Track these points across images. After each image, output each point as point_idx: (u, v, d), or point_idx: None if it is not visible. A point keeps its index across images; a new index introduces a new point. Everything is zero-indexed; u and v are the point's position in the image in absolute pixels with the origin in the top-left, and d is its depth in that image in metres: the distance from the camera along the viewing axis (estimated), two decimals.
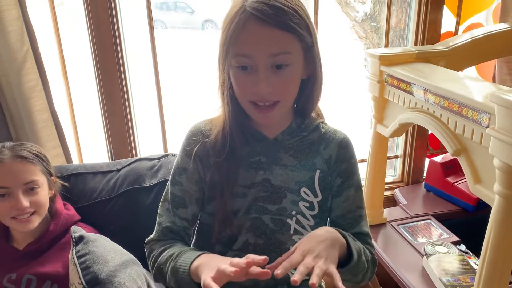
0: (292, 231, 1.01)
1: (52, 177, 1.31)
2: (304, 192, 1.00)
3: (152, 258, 1.01)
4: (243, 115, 0.98)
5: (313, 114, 1.07)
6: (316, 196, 1.01)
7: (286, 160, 1.01)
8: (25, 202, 1.19)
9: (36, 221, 1.23)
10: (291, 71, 0.91)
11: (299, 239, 0.99)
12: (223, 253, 1.02)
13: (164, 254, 0.98)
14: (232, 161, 0.99)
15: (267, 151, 1.01)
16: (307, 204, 1.01)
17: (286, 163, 1.01)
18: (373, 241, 1.07)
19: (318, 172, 1.01)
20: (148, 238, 1.05)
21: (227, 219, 0.99)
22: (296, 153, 1.02)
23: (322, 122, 1.06)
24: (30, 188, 1.22)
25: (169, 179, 1.05)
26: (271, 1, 0.86)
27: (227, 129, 0.98)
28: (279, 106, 0.93)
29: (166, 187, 1.06)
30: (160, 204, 1.06)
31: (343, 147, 1.03)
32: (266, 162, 1.00)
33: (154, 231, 1.04)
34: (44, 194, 1.25)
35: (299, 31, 0.88)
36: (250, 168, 1.00)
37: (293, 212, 1.00)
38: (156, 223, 1.05)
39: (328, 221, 1.07)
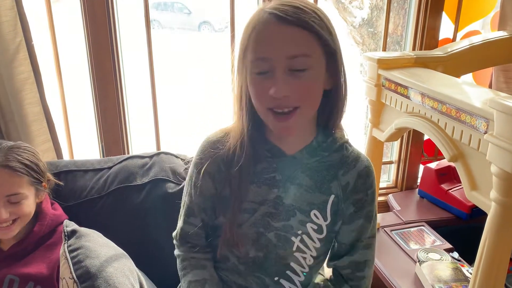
0: (294, 248, 0.98)
1: (43, 183, 1.25)
2: (315, 214, 0.96)
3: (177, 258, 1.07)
4: (261, 129, 0.94)
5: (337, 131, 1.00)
6: (326, 220, 0.97)
7: (302, 179, 0.96)
8: (5, 214, 1.14)
9: (16, 229, 1.18)
10: (311, 76, 0.84)
11: (301, 256, 0.98)
12: (225, 253, 1.02)
13: (180, 265, 1.05)
14: (244, 177, 0.95)
15: (283, 168, 0.96)
16: (316, 227, 0.97)
17: (302, 182, 0.96)
18: (368, 270, 1.03)
19: (332, 197, 0.97)
20: (173, 233, 1.09)
21: (232, 237, 0.96)
22: (313, 174, 0.96)
23: (347, 143, 0.99)
24: (13, 200, 1.16)
25: (184, 187, 1.06)
26: (289, 2, 0.84)
27: (245, 141, 0.93)
28: (298, 114, 0.86)
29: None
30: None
31: (363, 177, 0.98)
32: (281, 180, 0.96)
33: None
34: (28, 204, 1.19)
35: (320, 31, 0.83)
36: (263, 184, 0.96)
37: (299, 232, 0.97)
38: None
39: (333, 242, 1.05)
